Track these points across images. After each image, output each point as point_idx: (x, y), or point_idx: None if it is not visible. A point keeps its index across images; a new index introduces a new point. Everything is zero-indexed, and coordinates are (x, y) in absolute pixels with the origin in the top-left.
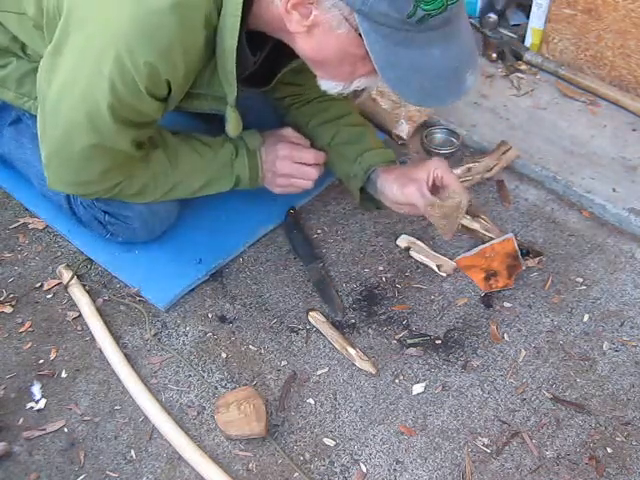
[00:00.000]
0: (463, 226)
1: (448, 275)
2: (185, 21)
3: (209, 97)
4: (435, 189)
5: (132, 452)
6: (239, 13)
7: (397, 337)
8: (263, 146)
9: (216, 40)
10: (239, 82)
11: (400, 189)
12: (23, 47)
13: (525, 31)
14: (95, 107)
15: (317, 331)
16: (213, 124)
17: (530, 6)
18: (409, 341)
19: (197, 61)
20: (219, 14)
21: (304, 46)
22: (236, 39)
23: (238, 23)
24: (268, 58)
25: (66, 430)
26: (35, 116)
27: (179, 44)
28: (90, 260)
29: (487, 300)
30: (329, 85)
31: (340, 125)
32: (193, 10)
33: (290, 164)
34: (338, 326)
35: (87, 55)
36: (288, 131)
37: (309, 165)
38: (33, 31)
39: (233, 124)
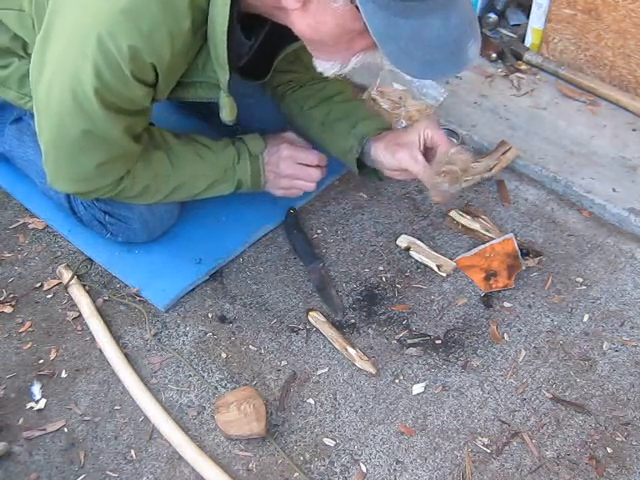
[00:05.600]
0: (463, 226)
1: (448, 275)
2: (167, 4)
3: (204, 85)
4: (427, 150)
5: (132, 452)
6: None
7: (397, 337)
8: (265, 149)
9: (207, 24)
10: (236, 71)
11: (392, 155)
12: (24, 47)
13: (525, 31)
14: (82, 92)
15: (317, 331)
16: (213, 123)
17: (530, 6)
18: (409, 341)
19: (184, 46)
20: None
21: (300, 24)
22: (226, 21)
23: (228, 4)
24: (265, 46)
25: (66, 430)
26: None
27: (162, 27)
28: (90, 260)
29: (487, 300)
30: (325, 66)
31: (334, 103)
32: None
33: (293, 165)
34: (338, 326)
35: (72, 39)
36: (290, 134)
37: (312, 166)
38: (32, 30)
39: (227, 110)
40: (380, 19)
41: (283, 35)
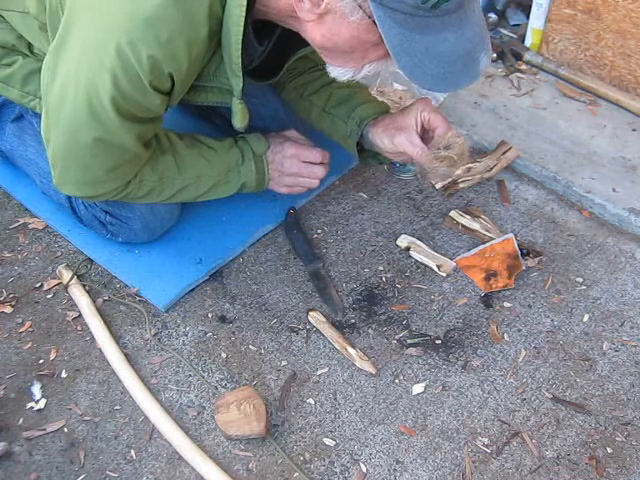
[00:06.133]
0: (463, 226)
1: (448, 275)
2: (187, 13)
3: (215, 90)
4: (424, 131)
5: (132, 452)
6: (244, 3)
7: (397, 337)
8: (269, 148)
9: (221, 31)
10: (247, 75)
11: (390, 140)
12: (30, 46)
13: (525, 31)
14: (98, 100)
15: (317, 331)
16: (215, 123)
17: (530, 6)
18: (409, 341)
19: (200, 54)
20: (223, 5)
21: (315, 34)
22: (242, 30)
23: (243, 13)
24: (275, 48)
25: (66, 430)
26: (38, 114)
27: (181, 37)
28: (90, 260)
29: (487, 300)
30: (339, 72)
31: (332, 89)
32: (195, 2)
33: (298, 163)
34: (338, 326)
35: (89, 48)
36: (292, 132)
37: (315, 164)
38: (38, 32)
39: (239, 117)
40: (396, 34)
41: (294, 38)
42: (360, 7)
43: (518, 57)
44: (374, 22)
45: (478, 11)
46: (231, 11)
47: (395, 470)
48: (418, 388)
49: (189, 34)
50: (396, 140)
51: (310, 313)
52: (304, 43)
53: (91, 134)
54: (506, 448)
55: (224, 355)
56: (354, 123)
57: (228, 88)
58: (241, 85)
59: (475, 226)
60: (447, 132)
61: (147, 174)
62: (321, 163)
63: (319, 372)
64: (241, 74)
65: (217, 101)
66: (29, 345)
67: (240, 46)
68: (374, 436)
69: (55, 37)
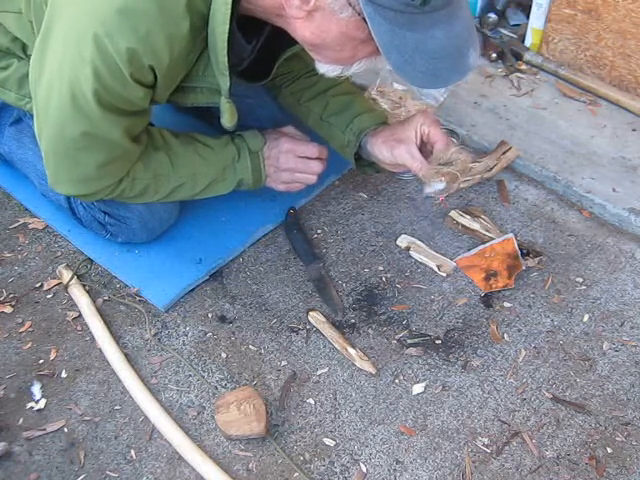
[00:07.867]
0: (463, 226)
1: (448, 275)
2: (163, 6)
3: (205, 90)
4: (424, 144)
5: (132, 452)
6: (229, 0)
7: (397, 337)
8: (265, 145)
9: (207, 29)
10: (237, 75)
11: (389, 151)
12: (24, 48)
13: (525, 31)
14: (81, 93)
15: (317, 331)
16: (214, 123)
17: (530, 6)
18: (409, 341)
19: (183, 51)
20: (207, 2)
21: (303, 31)
22: (227, 27)
23: (229, 11)
24: (265, 48)
25: (66, 430)
26: None
27: (160, 29)
28: (90, 260)
29: (487, 300)
30: (327, 68)
31: (329, 96)
32: None
33: (294, 158)
34: (338, 326)
35: (70, 41)
36: (289, 128)
37: (312, 159)
38: (30, 33)
39: (227, 115)
40: (386, 31)
41: (283, 37)
42: (350, 4)
43: (518, 57)
44: (363, 19)
45: (466, 7)
46: (216, 9)
47: (395, 470)
48: (418, 388)
49: (169, 28)
50: (396, 152)
51: (310, 313)
52: (294, 42)
53: (78, 128)
54: (506, 448)
55: (224, 355)
56: (352, 134)
57: (217, 88)
58: (228, 84)
59: (475, 226)
60: (446, 147)
61: (140, 172)
62: (318, 158)
63: (319, 372)
64: (227, 73)
65: (207, 101)
66: (29, 345)
67: (226, 44)
68: (374, 436)
69: (39, 34)
